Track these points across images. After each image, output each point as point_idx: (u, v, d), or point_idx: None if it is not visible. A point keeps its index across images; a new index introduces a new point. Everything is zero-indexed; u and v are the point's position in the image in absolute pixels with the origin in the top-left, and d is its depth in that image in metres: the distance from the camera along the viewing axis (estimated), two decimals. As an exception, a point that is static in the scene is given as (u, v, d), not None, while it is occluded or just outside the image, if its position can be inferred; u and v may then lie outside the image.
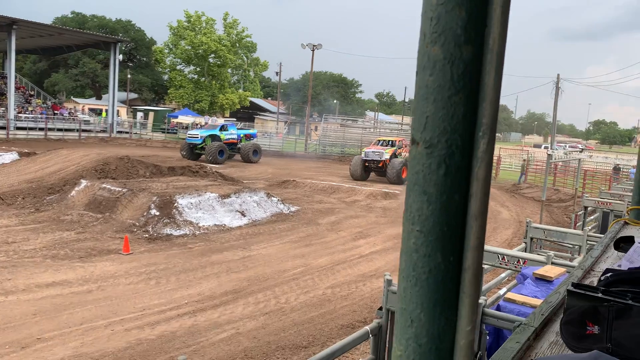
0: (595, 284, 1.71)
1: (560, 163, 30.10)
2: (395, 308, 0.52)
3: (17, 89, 43.71)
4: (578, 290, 1.33)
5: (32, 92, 48.46)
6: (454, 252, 0.47)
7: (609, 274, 1.55)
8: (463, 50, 0.45)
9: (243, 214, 15.20)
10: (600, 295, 1.35)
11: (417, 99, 0.47)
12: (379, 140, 30.14)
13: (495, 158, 28.24)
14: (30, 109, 42.93)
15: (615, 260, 2.49)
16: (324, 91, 76.74)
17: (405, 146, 29.51)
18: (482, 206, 0.46)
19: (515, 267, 6.52)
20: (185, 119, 53.00)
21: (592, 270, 2.01)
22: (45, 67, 64.20)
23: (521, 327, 1.45)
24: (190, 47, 58.54)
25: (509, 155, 43.02)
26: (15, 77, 42.39)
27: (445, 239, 0.47)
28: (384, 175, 26.99)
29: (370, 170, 27.67)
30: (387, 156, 27.15)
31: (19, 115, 40.00)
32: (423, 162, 0.47)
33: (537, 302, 4.33)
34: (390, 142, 29.34)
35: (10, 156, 21.83)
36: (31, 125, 39.75)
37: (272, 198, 17.02)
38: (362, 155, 28.15)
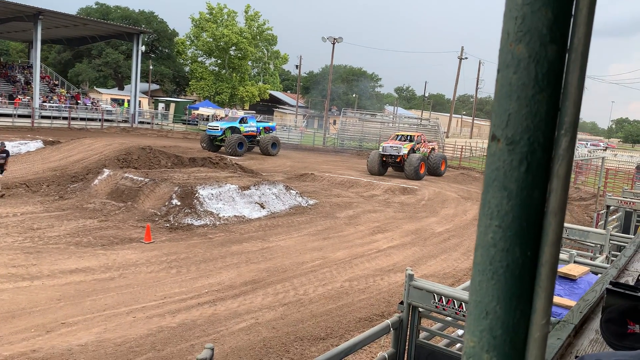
0: (630, 282, 1.70)
1: (580, 161, 29.66)
2: (468, 300, 0.53)
3: (42, 78, 44.46)
4: (617, 289, 1.33)
5: (56, 82, 49.23)
6: (532, 246, 0.48)
7: (646, 274, 1.53)
8: (548, 49, 0.46)
9: (262, 206, 15.29)
10: (639, 294, 1.35)
11: (499, 96, 0.48)
12: (397, 135, 29.52)
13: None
14: (54, 98, 43.62)
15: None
16: (343, 85, 76.50)
17: (424, 141, 29.08)
18: (561, 203, 0.47)
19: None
20: (205, 110, 53.37)
21: (626, 269, 1.99)
22: (69, 57, 65.10)
23: (561, 324, 1.45)
24: (211, 39, 58.83)
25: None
26: (41, 66, 43.10)
27: (524, 234, 0.48)
28: (402, 170, 26.53)
29: (388, 165, 27.23)
30: (405, 151, 26.62)
31: (44, 104, 40.68)
32: (504, 158, 0.48)
33: (560, 300, 4.31)
34: (408, 137, 28.69)
35: (35, 144, 22.27)
36: (55, 114, 40.41)
37: (291, 191, 17.09)
38: (380, 149, 27.56)
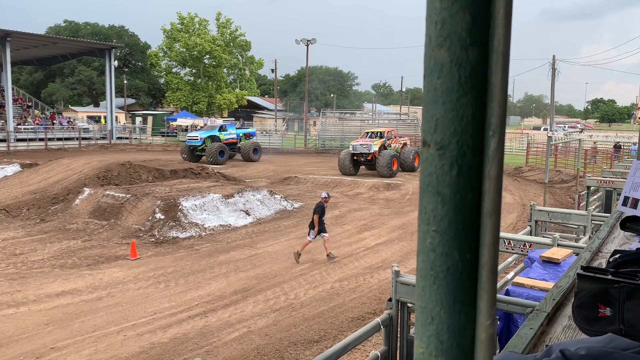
0: (604, 265, 1.72)
1: (560, 144, 30.02)
2: (415, 306, 0.53)
3: (14, 100, 43.72)
4: (588, 273, 1.34)
5: (29, 103, 48.48)
6: (470, 249, 0.48)
7: (617, 255, 1.55)
8: (469, 52, 0.46)
9: (247, 213, 15.22)
10: (610, 277, 1.36)
11: (426, 102, 0.48)
12: (367, 132, 28.50)
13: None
14: (29, 119, 42.95)
15: (622, 241, 2.49)
16: (320, 85, 76.54)
17: (395, 137, 28.36)
18: (495, 204, 0.48)
19: (522, 251, 6.54)
20: (184, 121, 53.00)
21: (600, 251, 2.01)
22: (42, 78, 64.14)
23: (534, 313, 1.46)
24: (184, 49, 58.39)
25: (509, 139, 42.97)
26: (13, 89, 42.40)
27: (461, 237, 0.48)
28: (374, 168, 25.78)
29: (360, 163, 26.48)
30: (375, 148, 25.84)
31: (19, 127, 40.02)
32: (435, 163, 0.48)
33: (545, 284, 4.35)
34: (378, 134, 27.75)
35: (12, 168, 21.87)
36: (31, 136, 39.79)
37: (275, 195, 17.04)
38: (350, 148, 26.61)
